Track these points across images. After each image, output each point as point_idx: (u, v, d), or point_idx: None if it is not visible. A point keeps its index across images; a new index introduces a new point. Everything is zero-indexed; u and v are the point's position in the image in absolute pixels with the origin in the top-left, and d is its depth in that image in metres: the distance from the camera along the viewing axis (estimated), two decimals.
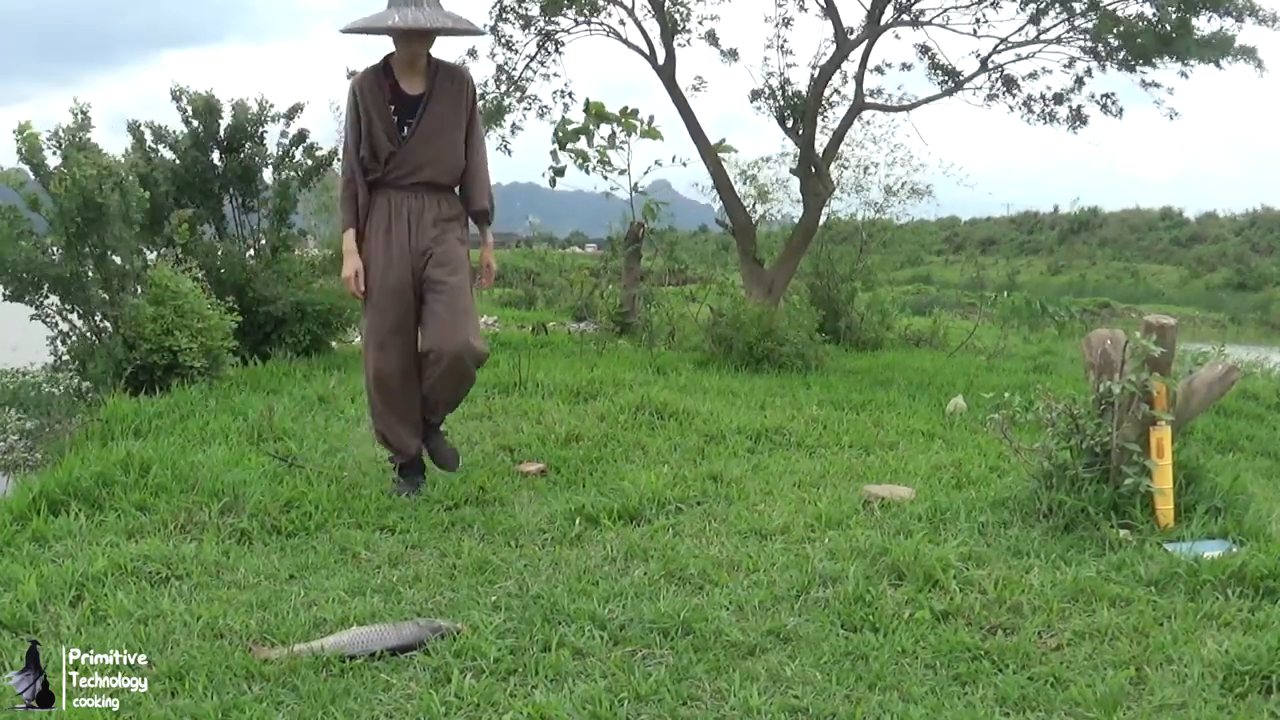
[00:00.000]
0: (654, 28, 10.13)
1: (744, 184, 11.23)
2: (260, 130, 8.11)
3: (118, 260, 6.25)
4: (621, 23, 10.30)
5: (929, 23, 9.77)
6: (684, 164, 11.76)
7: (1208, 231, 43.21)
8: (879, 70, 10.47)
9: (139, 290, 6.32)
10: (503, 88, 10.55)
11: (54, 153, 6.21)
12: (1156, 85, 9.14)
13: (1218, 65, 8.41)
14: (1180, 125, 9.54)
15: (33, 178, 6.27)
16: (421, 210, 3.81)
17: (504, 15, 10.20)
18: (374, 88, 3.79)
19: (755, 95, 10.33)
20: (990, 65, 9.76)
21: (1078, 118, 9.76)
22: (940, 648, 2.45)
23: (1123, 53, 8.82)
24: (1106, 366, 3.34)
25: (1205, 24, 8.32)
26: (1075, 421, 3.37)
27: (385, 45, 3.87)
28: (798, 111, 9.96)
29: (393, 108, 3.78)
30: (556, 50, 10.59)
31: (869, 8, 9.60)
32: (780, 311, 8.46)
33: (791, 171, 10.60)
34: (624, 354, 8.41)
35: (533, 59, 10.58)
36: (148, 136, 7.93)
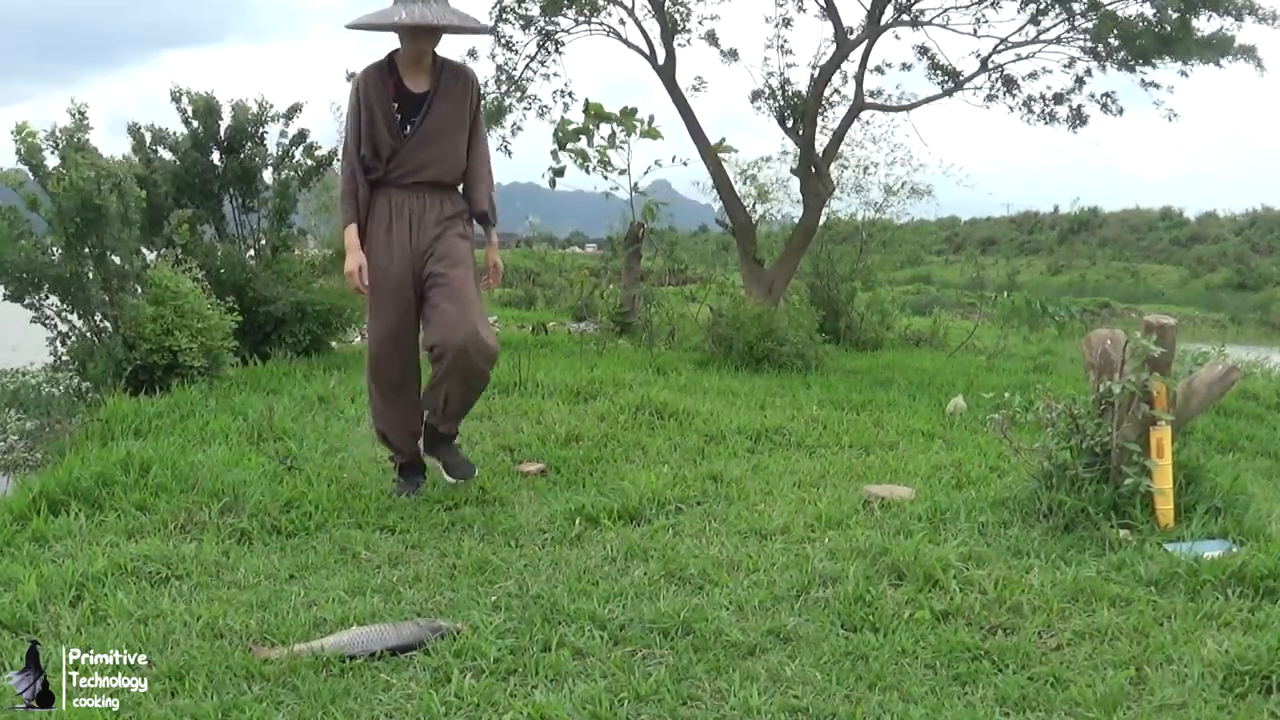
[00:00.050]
0: (654, 28, 10.15)
1: (744, 184, 11.24)
2: (260, 130, 8.11)
3: (117, 260, 6.25)
4: (621, 23, 10.33)
5: (929, 23, 9.79)
6: (684, 164, 11.79)
7: (1208, 231, 43.20)
8: (879, 70, 10.49)
9: (139, 290, 6.33)
10: (503, 88, 10.55)
11: (52, 153, 6.21)
12: (1156, 85, 9.16)
13: (1217, 65, 8.42)
14: (1180, 125, 9.55)
15: (32, 178, 6.27)
16: (423, 210, 3.77)
17: (504, 15, 10.19)
18: (378, 84, 3.75)
19: (755, 95, 10.35)
20: (990, 65, 9.76)
21: (1078, 118, 9.76)
22: (940, 648, 2.45)
23: (1123, 53, 8.83)
24: (1106, 366, 3.34)
25: (1205, 23, 8.34)
26: (1075, 421, 3.37)
27: (389, 44, 3.85)
28: (798, 111, 9.96)
29: (396, 105, 3.74)
30: (556, 50, 10.60)
31: (869, 8, 9.61)
32: (780, 311, 8.47)
33: (791, 171, 10.62)
34: (624, 354, 8.42)
35: (533, 59, 10.58)
36: (147, 139, 7.93)
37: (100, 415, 5.16)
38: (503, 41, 10.37)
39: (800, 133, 9.88)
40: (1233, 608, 2.63)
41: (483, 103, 4.07)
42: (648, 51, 10.17)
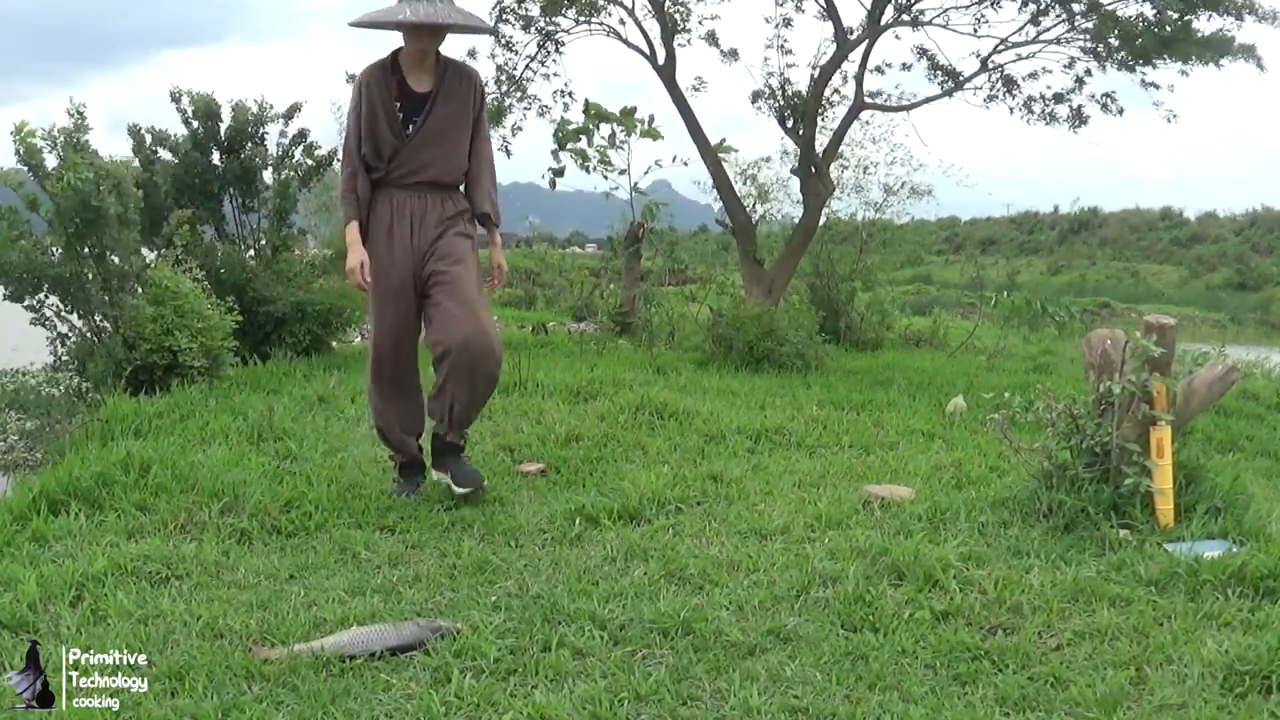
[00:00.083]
0: (654, 28, 10.15)
1: (744, 184, 11.23)
2: (260, 131, 8.11)
3: (117, 261, 6.25)
4: (621, 22, 10.33)
5: (929, 23, 9.79)
6: (684, 164, 11.80)
7: (1208, 231, 43.21)
8: (879, 70, 10.49)
9: (139, 290, 6.33)
10: (503, 88, 10.55)
11: (51, 153, 6.21)
12: (1156, 86, 9.16)
13: (1217, 65, 8.42)
14: (1180, 125, 9.56)
15: (31, 178, 6.27)
16: (425, 210, 3.76)
17: (504, 15, 10.20)
18: (380, 83, 3.72)
19: (755, 95, 10.35)
20: (990, 65, 9.77)
21: (1078, 117, 9.76)
22: (940, 648, 2.45)
23: (1122, 53, 8.83)
24: (1106, 366, 3.34)
25: (1205, 23, 8.34)
26: (1075, 421, 3.37)
27: (391, 43, 3.84)
28: (798, 112, 9.96)
29: (399, 104, 3.72)
30: (556, 50, 10.61)
31: (869, 8, 9.62)
32: (780, 311, 8.46)
33: (792, 171, 10.62)
34: (624, 354, 8.42)
35: (533, 59, 10.59)
36: (147, 139, 7.93)
37: (100, 415, 5.16)
38: (503, 41, 10.38)
39: (800, 133, 9.89)
40: (1233, 608, 2.62)
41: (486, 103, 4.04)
42: (648, 51, 10.17)
